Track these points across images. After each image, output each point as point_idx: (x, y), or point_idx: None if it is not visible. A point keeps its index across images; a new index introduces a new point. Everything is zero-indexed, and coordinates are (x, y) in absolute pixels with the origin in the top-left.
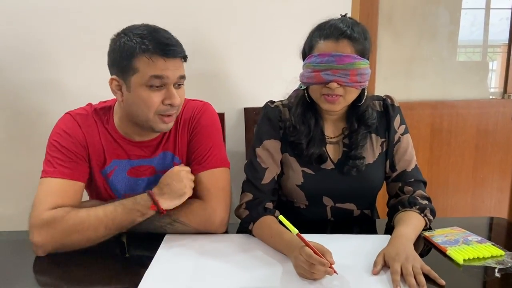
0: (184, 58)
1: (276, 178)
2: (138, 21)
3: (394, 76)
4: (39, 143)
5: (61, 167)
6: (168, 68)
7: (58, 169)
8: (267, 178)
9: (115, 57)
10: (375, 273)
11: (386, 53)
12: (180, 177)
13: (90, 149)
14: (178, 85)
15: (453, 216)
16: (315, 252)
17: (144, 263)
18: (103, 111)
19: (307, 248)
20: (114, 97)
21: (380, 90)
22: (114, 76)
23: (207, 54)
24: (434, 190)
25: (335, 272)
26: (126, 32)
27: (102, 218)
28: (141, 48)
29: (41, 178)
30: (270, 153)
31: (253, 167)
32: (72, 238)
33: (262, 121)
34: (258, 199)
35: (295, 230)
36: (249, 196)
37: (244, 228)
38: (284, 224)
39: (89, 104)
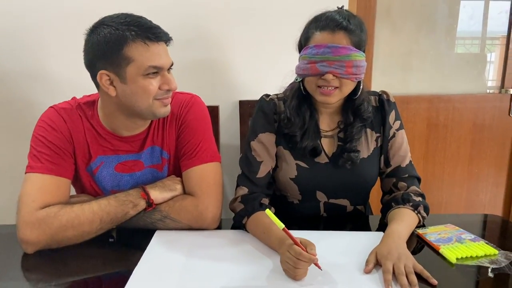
0: (169, 41)
1: (271, 172)
2: (132, 10)
3: (391, 70)
4: (26, 134)
5: (48, 162)
6: (161, 56)
7: (45, 165)
8: (262, 171)
9: (101, 50)
10: (367, 272)
11: (384, 46)
12: (176, 180)
13: (75, 145)
14: (169, 70)
15: (447, 210)
16: (300, 247)
17: (133, 259)
18: (87, 105)
19: (295, 246)
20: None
21: (376, 83)
22: (103, 71)
23: (202, 46)
24: (429, 184)
25: (319, 267)
26: (107, 23)
27: (97, 212)
28: (131, 35)
29: (26, 173)
30: (265, 146)
31: (248, 161)
32: (67, 234)
33: (257, 114)
34: (254, 193)
35: (281, 225)
36: (244, 190)
37: (237, 222)
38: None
39: (74, 98)
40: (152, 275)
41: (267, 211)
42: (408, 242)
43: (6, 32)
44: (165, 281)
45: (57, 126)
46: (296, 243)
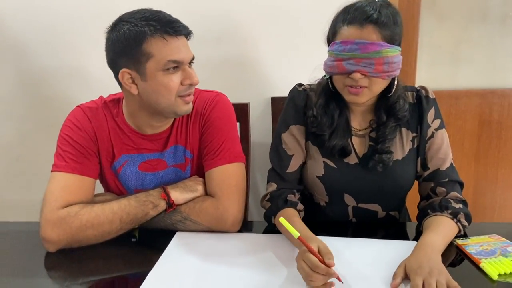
0: (190, 35)
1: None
2: (164, 7)
3: (438, 63)
4: None
5: (72, 162)
6: (181, 50)
7: (70, 164)
8: (293, 166)
9: (121, 47)
10: (394, 287)
11: (429, 36)
12: (198, 180)
13: (99, 144)
14: (190, 64)
15: (501, 215)
16: (317, 257)
17: (155, 259)
18: (112, 103)
19: (311, 255)
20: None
21: (422, 77)
22: (124, 69)
23: (232, 40)
24: (481, 187)
25: (339, 280)
26: (126, 19)
27: (117, 212)
28: (150, 30)
29: (52, 171)
30: (296, 139)
31: (278, 154)
32: (87, 234)
33: (287, 105)
34: (281, 189)
35: (296, 234)
36: (273, 186)
37: (268, 222)
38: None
39: (100, 97)
40: (166, 279)
41: (281, 219)
42: (445, 254)
43: (46, 29)
44: (178, 286)
45: (82, 125)
46: (312, 252)
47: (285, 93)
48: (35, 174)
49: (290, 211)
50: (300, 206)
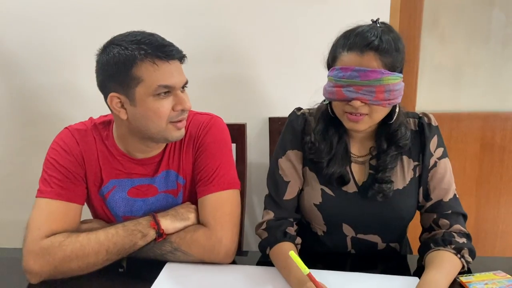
0: (183, 58)
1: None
2: (159, 25)
3: (439, 85)
4: None
5: (58, 187)
6: (173, 75)
7: (55, 190)
8: (290, 193)
9: (110, 71)
10: None
11: (431, 59)
12: (191, 208)
13: (87, 168)
14: (183, 88)
15: (503, 240)
16: None
17: None
18: (102, 126)
19: None
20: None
21: (422, 100)
22: (113, 94)
23: (229, 59)
24: (483, 213)
25: None
26: (116, 42)
27: (103, 242)
28: (140, 54)
29: (36, 197)
30: (293, 164)
31: (274, 180)
32: (71, 265)
33: (286, 129)
34: (279, 220)
35: (306, 270)
36: (270, 215)
37: (262, 252)
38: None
39: (90, 119)
40: None
41: (291, 253)
42: None
43: (39, 47)
44: None
45: (69, 148)
46: None
47: (283, 113)
48: (25, 193)
49: (289, 245)
50: (298, 240)
